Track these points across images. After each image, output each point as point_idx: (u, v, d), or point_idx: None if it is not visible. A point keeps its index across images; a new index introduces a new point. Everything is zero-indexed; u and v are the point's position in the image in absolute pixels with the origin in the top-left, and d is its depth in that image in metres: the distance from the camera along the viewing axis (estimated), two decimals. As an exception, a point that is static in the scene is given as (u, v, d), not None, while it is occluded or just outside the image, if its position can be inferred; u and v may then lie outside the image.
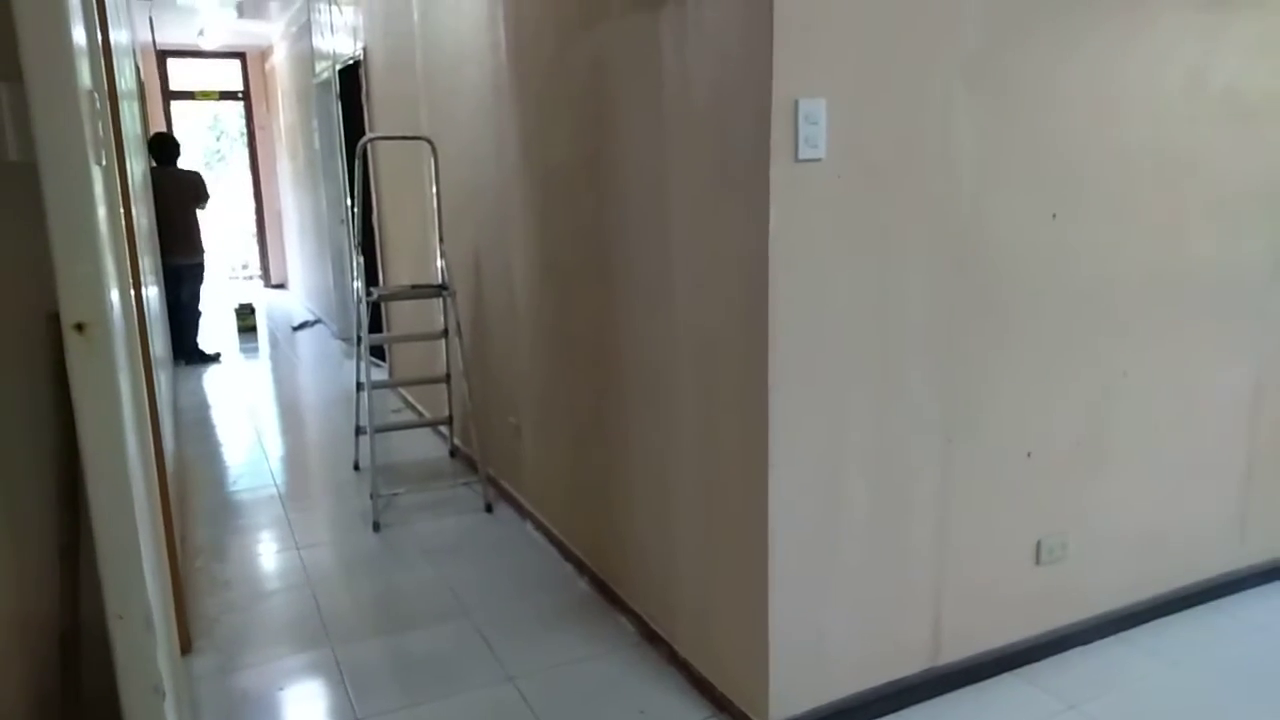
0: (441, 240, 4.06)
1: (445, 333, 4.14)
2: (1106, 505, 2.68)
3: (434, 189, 4.03)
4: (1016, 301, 2.38)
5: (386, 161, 5.41)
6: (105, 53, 2.27)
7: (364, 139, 3.97)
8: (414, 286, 4.00)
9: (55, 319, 1.45)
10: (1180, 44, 2.49)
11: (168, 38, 9.58)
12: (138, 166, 4.37)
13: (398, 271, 5.51)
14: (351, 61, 6.03)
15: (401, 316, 5.51)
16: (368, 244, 5.46)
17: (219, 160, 15.52)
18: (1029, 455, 2.49)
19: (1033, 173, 2.33)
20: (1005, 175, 2.29)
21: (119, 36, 3.78)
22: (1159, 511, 2.80)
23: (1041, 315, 2.43)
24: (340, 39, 6.37)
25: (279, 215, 11.22)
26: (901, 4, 2.07)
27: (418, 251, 4.87)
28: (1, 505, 1.74)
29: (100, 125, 1.68)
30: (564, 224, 3.10)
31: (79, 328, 1.42)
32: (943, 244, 2.23)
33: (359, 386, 4.04)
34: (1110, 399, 2.61)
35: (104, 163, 1.69)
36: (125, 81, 4.77)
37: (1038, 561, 2.58)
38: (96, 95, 1.67)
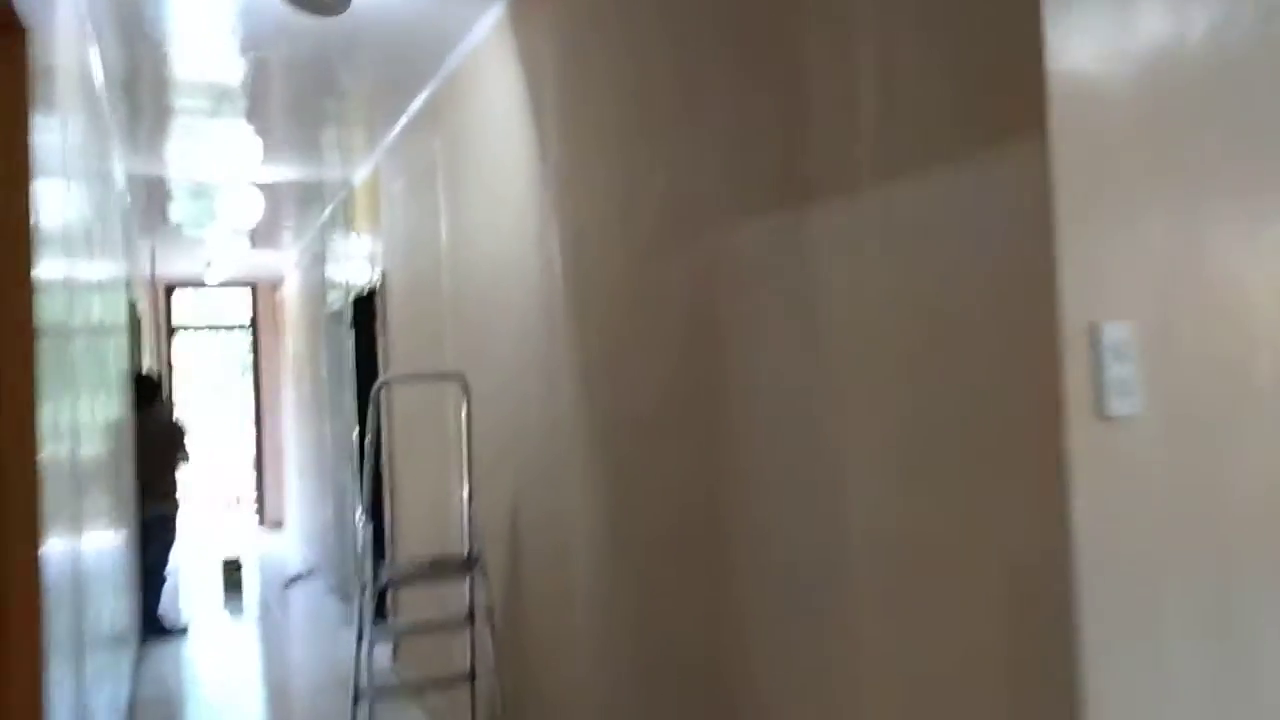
0: (470, 498, 3.24)
1: (471, 617, 3.22)
2: None
3: (464, 436, 3.26)
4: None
5: (402, 402, 4.68)
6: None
7: (382, 379, 3.26)
8: (434, 563, 3.13)
9: None
10: None
11: (175, 270, 9.26)
12: (107, 405, 3.65)
13: (411, 533, 4.64)
14: (367, 291, 5.49)
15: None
16: (375, 499, 4.62)
17: (224, 389, 15.05)
18: None
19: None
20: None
21: (94, 272, 3.17)
22: None
23: None
24: (355, 266, 5.89)
25: (279, 451, 10.51)
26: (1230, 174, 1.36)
27: (437, 509, 4.04)
28: None
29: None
30: (647, 483, 2.29)
31: None
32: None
33: (355, 697, 3.07)
34: None
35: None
36: (109, 316, 4.16)
37: None
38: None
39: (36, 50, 1.77)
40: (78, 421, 2.37)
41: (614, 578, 2.47)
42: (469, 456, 3.26)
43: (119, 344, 4.69)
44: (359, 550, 3.16)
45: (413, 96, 4.23)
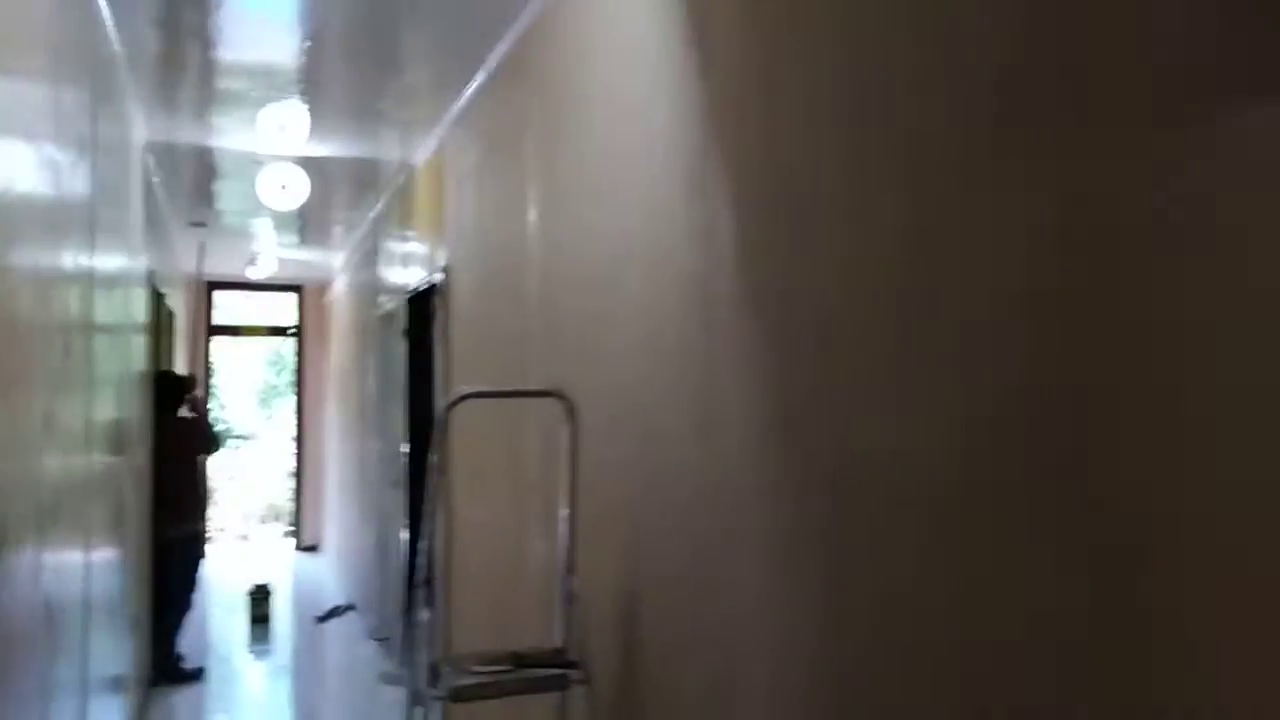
0: (572, 569, 2.29)
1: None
2: None
3: (567, 478, 2.31)
4: None
5: (464, 429, 3.73)
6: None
7: (461, 393, 2.35)
8: (516, 658, 2.16)
9: None
10: None
11: (217, 267, 8.52)
12: (91, 407, 2.79)
13: (475, 608, 3.73)
14: (426, 286, 4.62)
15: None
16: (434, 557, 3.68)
17: (276, 397, 14.27)
18: None
19: None
20: None
21: (66, 259, 2.33)
22: None
23: None
24: (413, 262, 5.04)
25: (320, 467, 9.71)
26: None
27: (511, 578, 3.11)
28: None
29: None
30: (918, 609, 1.33)
31: None
32: None
33: None
34: None
35: None
36: (110, 311, 3.33)
37: None
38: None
39: None
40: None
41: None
42: (573, 508, 2.32)
43: (126, 341, 3.87)
44: (416, 640, 2.23)
45: (495, 41, 3.35)
